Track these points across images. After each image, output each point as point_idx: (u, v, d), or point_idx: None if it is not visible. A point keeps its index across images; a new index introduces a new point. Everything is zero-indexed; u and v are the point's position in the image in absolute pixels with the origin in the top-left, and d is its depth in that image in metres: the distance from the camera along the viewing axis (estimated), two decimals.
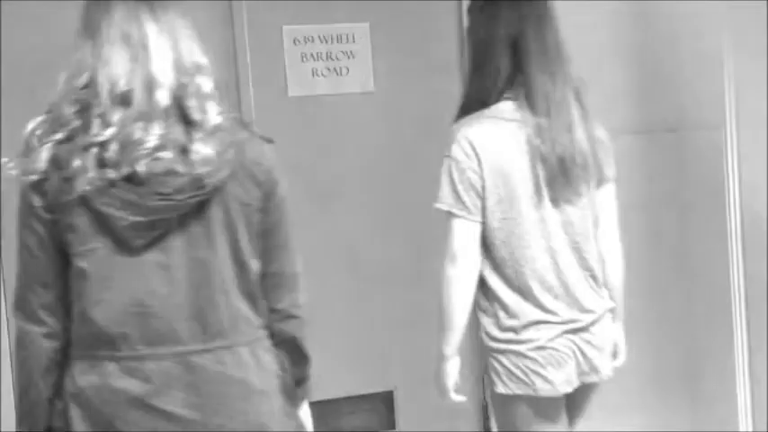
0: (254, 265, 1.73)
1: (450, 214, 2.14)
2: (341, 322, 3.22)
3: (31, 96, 2.80)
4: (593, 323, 2.24)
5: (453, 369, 2.24)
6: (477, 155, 2.12)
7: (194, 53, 1.72)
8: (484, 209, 2.14)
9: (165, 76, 1.65)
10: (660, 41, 3.45)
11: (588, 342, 2.23)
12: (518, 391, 2.16)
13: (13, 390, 2.88)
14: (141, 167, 1.61)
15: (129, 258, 1.66)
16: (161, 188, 1.62)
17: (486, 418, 3.36)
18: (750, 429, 3.49)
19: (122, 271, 1.66)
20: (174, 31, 1.71)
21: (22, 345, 1.71)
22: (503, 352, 2.16)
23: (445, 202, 2.14)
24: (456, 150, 2.13)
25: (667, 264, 3.50)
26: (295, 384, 1.84)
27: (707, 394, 3.53)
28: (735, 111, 3.43)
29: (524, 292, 2.16)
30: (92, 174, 1.61)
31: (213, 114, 1.67)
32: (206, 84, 1.70)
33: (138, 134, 1.61)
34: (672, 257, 3.51)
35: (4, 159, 1.70)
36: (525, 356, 2.15)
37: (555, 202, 2.17)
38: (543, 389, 2.16)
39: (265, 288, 1.76)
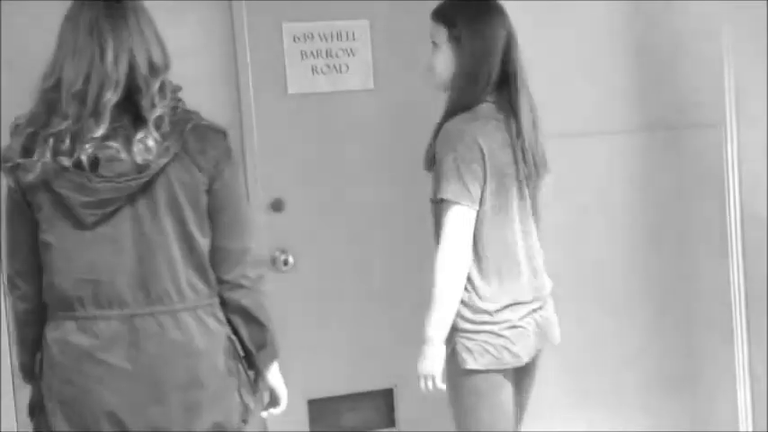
0: (202, 240, 1.99)
1: (453, 203, 2.31)
2: (341, 320, 3.22)
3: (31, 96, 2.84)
4: (546, 302, 2.55)
5: (442, 355, 2.38)
6: (480, 149, 2.33)
7: (152, 54, 1.98)
8: (481, 198, 2.35)
9: (119, 77, 1.93)
10: (659, 40, 3.45)
11: (545, 318, 2.53)
12: (490, 366, 2.38)
13: (13, 390, 2.88)
14: (89, 155, 1.91)
15: (84, 233, 1.95)
16: (105, 172, 1.92)
17: None
18: (750, 429, 3.49)
19: (78, 244, 1.95)
20: (132, 36, 1.97)
21: (11, 306, 2.09)
22: (477, 332, 2.37)
23: (450, 192, 2.31)
24: (461, 147, 2.31)
25: (667, 263, 3.50)
26: (256, 349, 2.09)
27: (707, 394, 3.53)
28: (735, 109, 3.43)
29: (502, 277, 2.39)
30: (47, 161, 1.91)
31: (161, 109, 1.95)
32: (157, 82, 1.96)
33: (88, 127, 1.91)
34: (671, 256, 3.51)
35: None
36: (499, 335, 2.38)
37: (523, 193, 2.44)
38: (511, 362, 2.41)
39: (216, 261, 2.01)
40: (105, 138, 1.92)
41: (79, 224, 1.94)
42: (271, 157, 3.13)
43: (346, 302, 3.22)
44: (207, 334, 2.00)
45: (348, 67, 3.19)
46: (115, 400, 1.94)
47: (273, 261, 3.14)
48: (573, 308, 3.42)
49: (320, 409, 3.26)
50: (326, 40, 3.18)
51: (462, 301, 2.37)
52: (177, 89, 2.04)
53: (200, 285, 2.01)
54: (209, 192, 1.99)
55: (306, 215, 3.19)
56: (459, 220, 2.32)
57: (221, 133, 2.04)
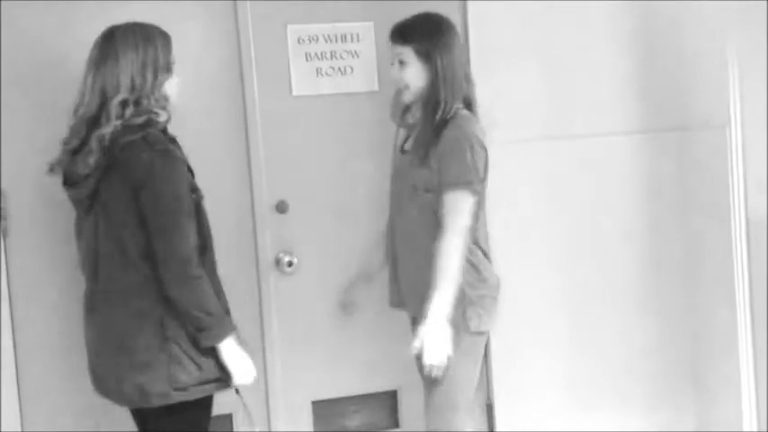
0: (133, 241, 2.39)
1: (467, 191, 2.62)
2: (345, 322, 3.22)
3: (31, 99, 2.85)
4: None
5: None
6: (484, 147, 2.68)
7: (120, 77, 2.40)
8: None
9: (92, 98, 2.43)
10: (664, 40, 3.45)
11: None
12: (489, 326, 2.75)
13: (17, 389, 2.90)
14: (62, 165, 2.49)
15: (81, 220, 2.52)
16: (69, 179, 2.48)
17: (490, 417, 3.36)
18: (755, 429, 3.48)
19: (80, 228, 2.53)
20: (108, 61, 2.42)
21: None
22: (482, 297, 2.70)
23: (469, 182, 2.62)
24: (475, 141, 2.65)
25: (671, 263, 3.50)
26: (195, 332, 2.41)
27: (711, 395, 3.53)
28: (739, 110, 3.42)
29: (488, 255, 2.77)
30: (58, 167, 2.51)
31: (112, 126, 2.38)
32: (116, 101, 2.39)
33: (68, 140, 2.47)
34: (676, 257, 3.51)
35: None
36: (496, 301, 2.75)
37: None
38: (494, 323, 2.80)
39: (153, 259, 2.38)
40: (75, 151, 2.44)
41: (79, 214, 2.56)
42: (275, 159, 3.14)
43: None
44: (139, 316, 2.41)
45: (353, 69, 3.20)
46: None
47: (278, 262, 3.15)
48: (578, 309, 3.44)
49: (325, 411, 3.26)
50: (331, 41, 3.18)
51: (473, 271, 2.68)
52: (145, 109, 2.41)
53: (135, 277, 2.41)
54: (135, 201, 2.38)
55: (310, 217, 3.19)
56: (468, 207, 2.62)
57: (156, 152, 2.37)
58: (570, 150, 3.37)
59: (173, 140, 2.52)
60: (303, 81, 3.16)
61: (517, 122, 3.25)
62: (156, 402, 2.42)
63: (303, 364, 3.20)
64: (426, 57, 2.69)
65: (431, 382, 2.70)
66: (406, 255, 2.79)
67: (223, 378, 2.48)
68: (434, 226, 2.67)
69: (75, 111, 2.46)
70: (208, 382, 2.46)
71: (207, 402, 2.54)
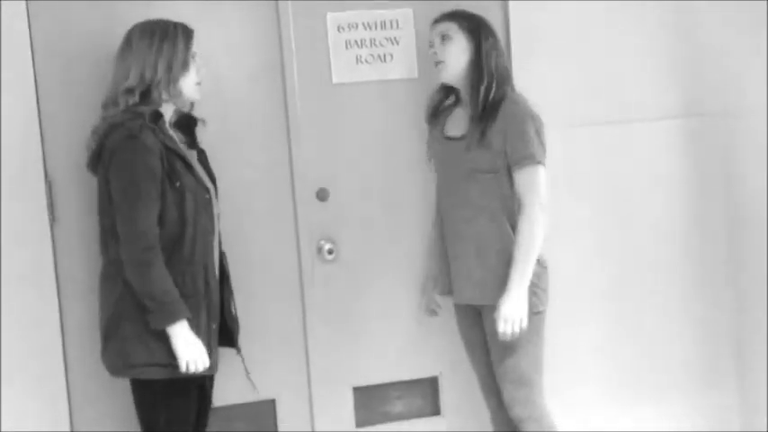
0: (107, 223, 2.57)
1: (541, 166, 2.72)
2: (386, 309, 3.23)
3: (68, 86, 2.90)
4: None
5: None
6: (543, 123, 2.79)
7: (131, 68, 2.57)
8: None
9: (111, 88, 2.62)
10: (706, 27, 3.41)
11: None
12: (546, 305, 2.82)
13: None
14: (88, 150, 2.64)
15: None
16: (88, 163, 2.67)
17: None
18: None
19: None
20: (124, 53, 2.61)
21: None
22: (540, 277, 2.78)
23: (539, 155, 2.72)
24: (537, 119, 2.75)
25: (711, 253, 3.46)
26: (146, 313, 2.50)
27: (754, 391, 3.48)
28: None
29: None
30: (87, 152, 2.66)
31: (111, 112, 2.57)
32: (122, 89, 2.56)
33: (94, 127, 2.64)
34: (716, 246, 3.47)
35: None
36: (548, 282, 2.83)
37: None
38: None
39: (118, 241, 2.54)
40: (93, 131, 2.62)
41: None
42: (316, 147, 3.15)
43: (391, 291, 3.23)
44: (107, 290, 2.60)
45: (392, 56, 3.19)
46: None
47: (319, 250, 3.17)
48: (618, 298, 3.41)
49: (365, 397, 3.28)
50: (370, 29, 3.18)
51: None
52: (154, 100, 2.57)
53: (110, 250, 2.59)
54: (107, 183, 2.55)
55: (351, 204, 3.20)
56: (543, 180, 2.73)
57: (130, 137, 2.50)
58: (610, 136, 3.34)
59: (168, 134, 2.61)
60: (343, 69, 3.17)
61: (555, 109, 3.22)
62: (114, 373, 2.60)
63: (344, 351, 3.22)
64: (471, 33, 2.77)
65: (502, 356, 2.76)
66: (462, 242, 2.81)
67: (173, 364, 2.53)
68: (498, 208, 2.74)
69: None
70: (157, 365, 2.53)
71: (179, 386, 2.58)
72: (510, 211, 2.76)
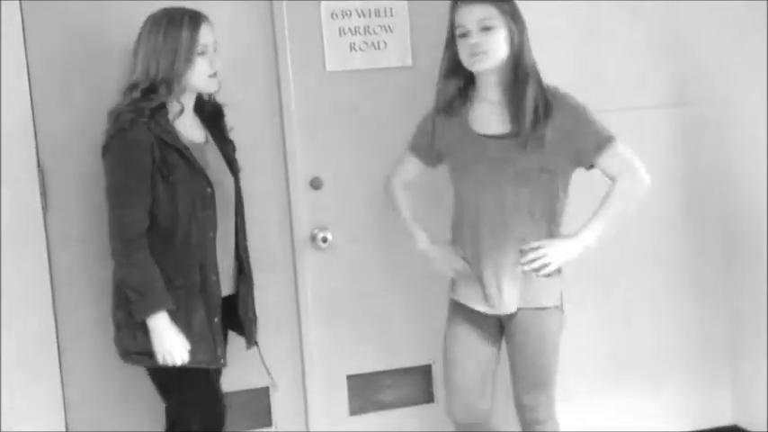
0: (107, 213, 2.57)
1: (619, 142, 2.61)
2: (379, 297, 3.24)
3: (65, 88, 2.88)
4: None
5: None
6: None
7: (139, 59, 2.58)
8: None
9: (127, 81, 2.63)
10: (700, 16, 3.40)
11: None
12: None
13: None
14: None
15: None
16: None
17: None
18: None
19: None
20: (138, 44, 2.60)
21: None
22: (561, 272, 2.69)
23: (609, 130, 2.62)
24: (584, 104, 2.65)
25: (711, 245, 3.47)
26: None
27: (746, 388, 3.50)
28: None
29: None
30: None
31: (123, 105, 2.57)
32: (131, 81, 2.59)
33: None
34: (715, 239, 3.48)
35: None
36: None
37: None
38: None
39: None
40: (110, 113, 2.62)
41: None
42: (309, 135, 3.14)
43: (385, 279, 3.24)
44: (113, 278, 2.63)
45: (386, 43, 3.19)
46: None
47: (313, 238, 3.17)
48: (614, 287, 3.42)
49: (359, 385, 3.29)
50: (364, 16, 3.17)
51: None
52: (160, 96, 2.54)
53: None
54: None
55: (345, 193, 3.20)
56: (630, 150, 2.63)
57: (121, 131, 2.51)
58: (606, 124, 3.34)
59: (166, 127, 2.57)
60: (337, 56, 3.16)
61: None
62: (122, 357, 2.64)
63: (338, 339, 3.22)
64: (512, 17, 2.57)
65: (533, 360, 2.68)
66: (500, 246, 2.65)
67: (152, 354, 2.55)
68: (545, 211, 2.64)
69: None
70: (146, 353, 2.55)
71: (188, 375, 2.58)
72: (558, 215, 2.68)
